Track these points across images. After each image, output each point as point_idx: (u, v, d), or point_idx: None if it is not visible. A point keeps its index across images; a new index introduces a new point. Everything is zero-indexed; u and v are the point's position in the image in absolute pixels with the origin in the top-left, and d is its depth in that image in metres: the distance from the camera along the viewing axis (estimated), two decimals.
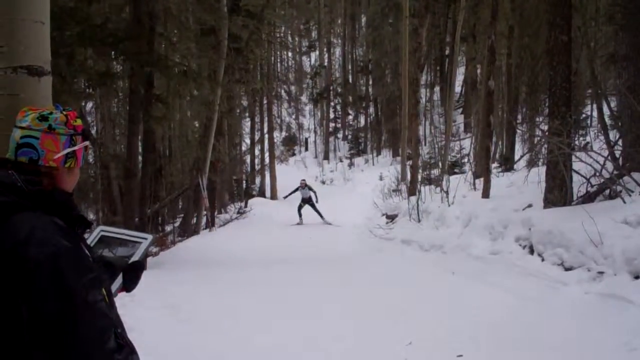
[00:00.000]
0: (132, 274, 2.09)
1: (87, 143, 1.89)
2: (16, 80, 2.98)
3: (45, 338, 1.52)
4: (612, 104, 13.47)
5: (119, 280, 2.04)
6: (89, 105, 21.24)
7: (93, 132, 20.33)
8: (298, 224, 20.04)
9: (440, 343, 5.67)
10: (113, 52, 12.79)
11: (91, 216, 19.99)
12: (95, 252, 1.96)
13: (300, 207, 20.52)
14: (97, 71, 12.86)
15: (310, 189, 20.75)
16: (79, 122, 1.84)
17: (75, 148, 1.82)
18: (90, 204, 20.35)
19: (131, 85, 13.13)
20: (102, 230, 2.25)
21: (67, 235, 1.64)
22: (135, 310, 6.73)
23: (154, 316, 6.87)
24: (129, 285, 2.09)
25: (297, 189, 21.24)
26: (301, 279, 9.58)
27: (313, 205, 20.38)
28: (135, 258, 2.15)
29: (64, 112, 1.81)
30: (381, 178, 29.16)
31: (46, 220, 1.63)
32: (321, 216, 20.04)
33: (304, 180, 21.49)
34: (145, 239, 2.24)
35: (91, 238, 2.18)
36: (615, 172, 9.38)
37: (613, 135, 11.32)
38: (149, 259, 12.49)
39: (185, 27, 16.86)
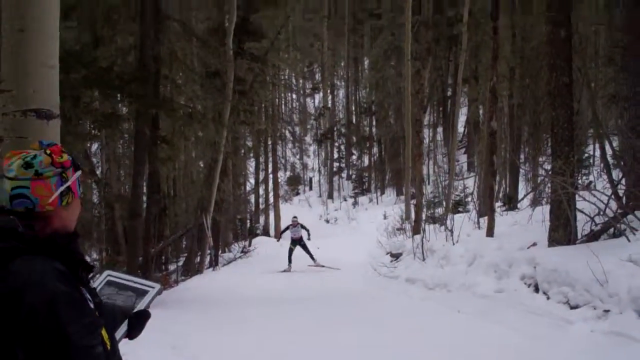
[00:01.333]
0: (136, 322, 2.09)
1: (79, 173, 1.86)
2: (25, 123, 3.03)
3: None
4: (614, 144, 13.53)
5: (123, 327, 2.03)
6: (95, 146, 21.38)
7: (98, 172, 20.43)
8: (285, 270, 17.61)
9: None
10: (119, 95, 12.95)
11: (95, 256, 19.98)
12: (100, 297, 1.97)
13: (290, 251, 18.13)
14: (102, 113, 13.00)
15: (302, 227, 18.64)
16: (65, 157, 1.80)
17: (69, 183, 1.79)
18: (94, 244, 20.32)
19: (137, 126, 13.25)
20: (109, 275, 2.24)
21: (66, 280, 1.63)
22: (138, 350, 6.69)
23: (158, 356, 6.83)
24: (133, 333, 2.08)
25: (287, 228, 19.25)
26: (306, 318, 9.52)
27: (304, 246, 18.24)
28: (140, 307, 2.14)
29: (47, 152, 1.77)
30: (385, 217, 29.14)
31: (45, 265, 1.63)
32: (312, 257, 18.05)
33: (295, 217, 19.32)
34: (153, 287, 2.23)
35: (97, 282, 2.18)
36: (619, 211, 9.38)
37: (616, 174, 11.34)
38: None
39: (191, 69, 17.11)
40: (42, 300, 1.54)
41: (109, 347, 1.69)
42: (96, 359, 1.59)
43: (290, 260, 17.83)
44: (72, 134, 11.99)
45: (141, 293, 2.20)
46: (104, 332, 1.69)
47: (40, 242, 1.67)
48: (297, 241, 18.31)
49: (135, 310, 2.12)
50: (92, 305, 1.71)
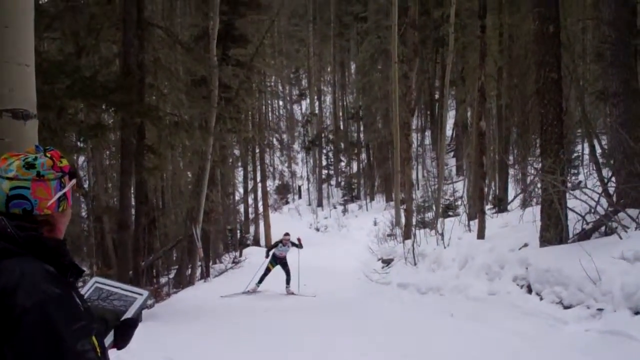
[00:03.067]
0: (124, 331, 2.01)
1: (74, 182, 1.83)
2: (1, 124, 2.94)
3: None
4: (604, 142, 13.53)
5: (110, 337, 1.96)
6: (81, 159, 21.24)
7: (85, 185, 20.29)
8: (249, 291, 14.75)
9: None
10: (104, 104, 12.82)
11: (85, 270, 19.82)
12: (88, 303, 1.88)
13: (267, 271, 15.07)
14: (87, 124, 12.86)
15: (294, 245, 15.27)
16: (64, 162, 1.78)
17: (66, 190, 1.77)
18: (84, 258, 20.16)
19: (122, 136, 13.11)
20: (97, 282, 2.16)
21: (58, 282, 1.59)
22: None
23: None
24: (120, 342, 2.00)
25: (276, 245, 15.44)
26: (299, 327, 9.44)
27: (285, 266, 15.00)
28: (128, 315, 2.06)
29: (48, 155, 1.74)
30: (375, 223, 29.11)
31: (36, 267, 1.58)
32: (288, 282, 14.88)
33: (287, 234, 15.40)
34: (141, 294, 2.14)
35: (85, 289, 2.10)
36: (610, 209, 9.37)
37: (606, 172, 11.34)
38: (144, 312, 12.32)
39: (176, 77, 16.96)
40: (34, 303, 1.49)
41: (99, 354, 1.61)
42: None
43: (261, 280, 14.93)
44: (57, 146, 11.82)
45: (130, 300, 2.12)
46: (94, 338, 1.61)
47: (31, 244, 1.62)
48: (279, 260, 15.12)
49: (123, 318, 2.04)
50: (82, 310, 1.64)
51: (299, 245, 15.38)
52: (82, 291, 2.02)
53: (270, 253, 15.28)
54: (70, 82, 10.93)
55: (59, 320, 1.51)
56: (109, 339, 1.94)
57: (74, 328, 1.53)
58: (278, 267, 15.07)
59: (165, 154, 16.34)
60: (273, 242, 17.70)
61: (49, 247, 1.66)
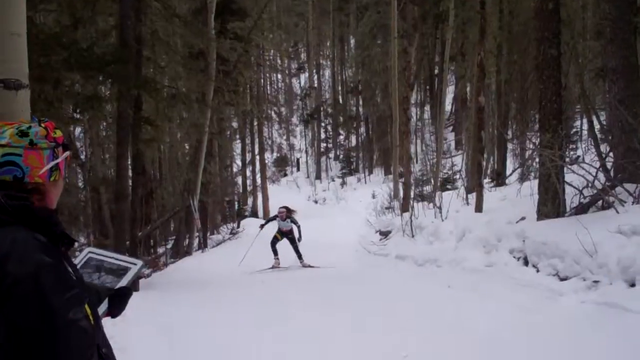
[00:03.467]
0: (118, 300, 2.03)
1: (68, 153, 1.83)
2: None
3: (23, 356, 1.47)
4: (602, 118, 13.53)
5: (104, 305, 1.97)
6: (78, 130, 21.17)
7: (82, 156, 20.26)
8: (274, 267, 14.26)
9: (437, 356, 5.59)
10: (100, 76, 12.74)
11: (82, 240, 19.87)
12: (81, 272, 1.88)
13: (275, 241, 14.55)
14: (84, 95, 12.80)
15: (292, 221, 14.66)
16: (58, 133, 1.78)
17: (58, 160, 1.76)
18: (81, 228, 20.20)
19: (119, 108, 13.06)
20: (90, 252, 2.18)
21: (49, 252, 1.59)
22: (127, 330, 6.64)
23: (147, 336, 6.80)
24: (114, 310, 2.03)
25: (273, 219, 15.17)
26: (298, 297, 9.51)
27: (293, 241, 14.52)
28: (122, 283, 2.07)
29: (43, 125, 1.74)
30: (374, 196, 29.16)
31: (27, 236, 1.58)
32: (300, 256, 14.44)
33: (283, 208, 14.80)
34: (135, 264, 2.16)
35: (78, 259, 2.11)
36: (607, 183, 9.38)
37: (604, 148, 11.34)
38: (142, 281, 12.41)
39: (173, 50, 16.87)
40: (26, 272, 1.50)
41: (92, 323, 1.63)
42: (81, 333, 1.55)
43: (275, 252, 14.38)
44: (53, 117, 11.80)
45: (123, 269, 2.13)
46: (87, 307, 1.64)
47: (21, 213, 1.62)
48: (285, 233, 14.59)
49: (117, 287, 2.06)
50: (75, 279, 1.66)
51: (297, 223, 14.57)
52: (76, 261, 2.03)
53: (268, 226, 15.07)
54: (67, 54, 10.86)
55: (50, 289, 1.52)
56: (102, 308, 1.96)
57: (65, 297, 1.54)
58: (285, 242, 14.55)
59: (163, 126, 16.33)
60: (271, 214, 17.61)
61: (39, 216, 1.66)
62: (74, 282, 1.63)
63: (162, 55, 16.99)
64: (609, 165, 10.13)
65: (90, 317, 1.63)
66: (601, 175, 9.72)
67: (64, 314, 1.51)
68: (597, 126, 12.40)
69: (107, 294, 2.00)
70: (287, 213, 14.65)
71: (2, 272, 1.49)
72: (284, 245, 14.58)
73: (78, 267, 1.98)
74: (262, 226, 15.31)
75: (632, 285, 6.58)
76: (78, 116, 15.03)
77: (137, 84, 12.58)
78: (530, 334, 6.07)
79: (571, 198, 9.98)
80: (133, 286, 2.13)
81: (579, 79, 13.59)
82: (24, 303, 1.48)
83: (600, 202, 9.44)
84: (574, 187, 9.95)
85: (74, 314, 1.53)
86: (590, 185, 9.69)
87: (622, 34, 9.93)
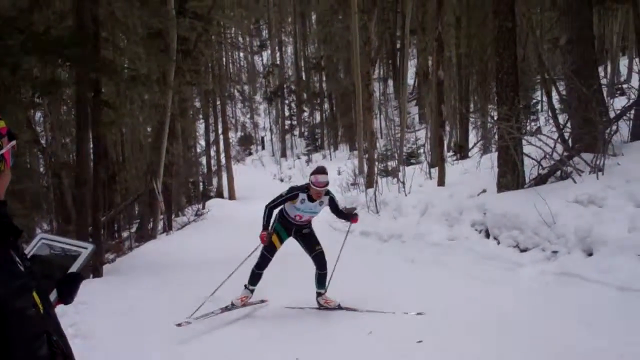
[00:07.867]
0: (68, 286, 2.00)
1: (13, 143, 1.77)
2: None
3: None
4: (561, 89, 13.71)
5: (54, 293, 1.95)
6: (38, 114, 20.82)
7: (42, 141, 19.93)
8: (233, 306, 7.25)
9: (401, 330, 5.66)
10: (58, 60, 12.51)
11: (45, 227, 19.62)
12: (32, 260, 1.87)
13: (269, 251, 7.41)
14: (42, 80, 12.58)
15: (332, 198, 7.34)
16: (2, 124, 1.72)
17: (3, 151, 1.71)
18: (44, 215, 19.94)
19: (78, 91, 12.85)
20: (43, 239, 2.14)
21: None
22: (91, 316, 6.63)
23: (110, 322, 6.77)
24: (66, 297, 1.99)
25: (294, 195, 7.09)
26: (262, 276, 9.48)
27: (310, 243, 7.59)
28: (73, 269, 2.04)
29: None
30: (339, 173, 29.19)
31: None
32: (321, 284, 7.38)
33: (323, 176, 7.01)
34: (86, 248, 2.12)
35: (31, 246, 2.09)
36: (565, 154, 9.54)
37: (562, 118, 11.50)
38: (106, 266, 12.32)
39: (132, 31, 16.59)
40: None
41: (41, 310, 1.61)
42: (29, 321, 1.54)
43: (257, 279, 7.49)
44: (11, 102, 11.59)
45: (74, 254, 2.10)
46: (35, 295, 1.61)
47: None
48: (297, 228, 7.47)
49: (68, 272, 2.03)
50: (22, 269, 1.62)
51: (335, 200, 7.47)
52: (28, 248, 2.02)
53: (275, 214, 7.36)
54: (24, 37, 10.65)
55: None
56: (53, 295, 1.94)
57: (12, 286, 1.52)
58: (293, 242, 7.66)
59: (123, 108, 16.11)
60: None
61: None
62: (20, 272, 1.60)
63: (120, 36, 16.73)
64: (567, 135, 10.29)
65: (40, 306, 1.61)
66: (559, 146, 9.87)
67: (11, 302, 1.49)
68: (556, 97, 12.55)
69: (57, 279, 1.98)
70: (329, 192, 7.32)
71: None
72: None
73: (31, 253, 2.00)
74: (267, 227, 7.16)
75: (590, 254, 6.74)
76: (38, 100, 14.80)
77: (96, 67, 12.37)
78: (492, 305, 6.15)
79: (530, 169, 10.14)
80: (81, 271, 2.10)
81: (536, 50, 13.72)
82: None
83: (558, 173, 9.61)
84: (532, 159, 10.11)
85: (20, 303, 1.52)
86: (548, 156, 9.85)
87: (576, 6, 10.05)
